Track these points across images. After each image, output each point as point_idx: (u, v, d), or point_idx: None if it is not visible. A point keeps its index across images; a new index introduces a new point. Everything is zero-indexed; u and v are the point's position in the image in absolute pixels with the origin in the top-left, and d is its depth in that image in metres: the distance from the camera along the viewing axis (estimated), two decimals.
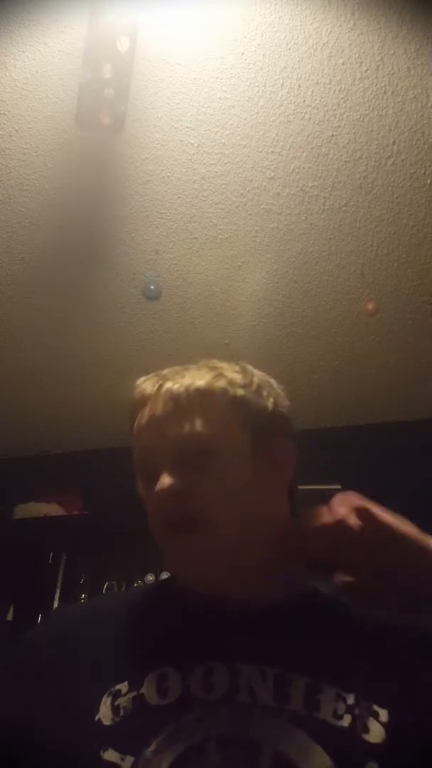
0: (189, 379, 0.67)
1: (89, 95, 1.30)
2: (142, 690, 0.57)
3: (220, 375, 0.68)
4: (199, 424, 0.64)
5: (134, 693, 0.57)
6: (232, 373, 0.69)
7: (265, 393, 0.69)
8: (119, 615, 0.68)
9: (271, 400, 0.69)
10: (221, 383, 0.68)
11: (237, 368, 0.70)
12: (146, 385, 0.70)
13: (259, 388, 0.69)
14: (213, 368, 0.69)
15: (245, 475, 0.65)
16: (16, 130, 1.49)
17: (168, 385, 0.67)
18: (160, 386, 0.67)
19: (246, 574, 0.63)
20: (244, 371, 0.70)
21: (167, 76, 1.39)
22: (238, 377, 0.69)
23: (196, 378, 0.67)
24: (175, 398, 0.66)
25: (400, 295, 1.87)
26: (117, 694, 0.57)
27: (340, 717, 0.54)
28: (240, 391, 0.68)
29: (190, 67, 1.38)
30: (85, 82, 1.29)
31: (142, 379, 0.71)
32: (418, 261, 1.77)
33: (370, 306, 1.82)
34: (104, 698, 0.57)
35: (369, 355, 2.08)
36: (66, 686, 0.60)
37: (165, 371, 0.71)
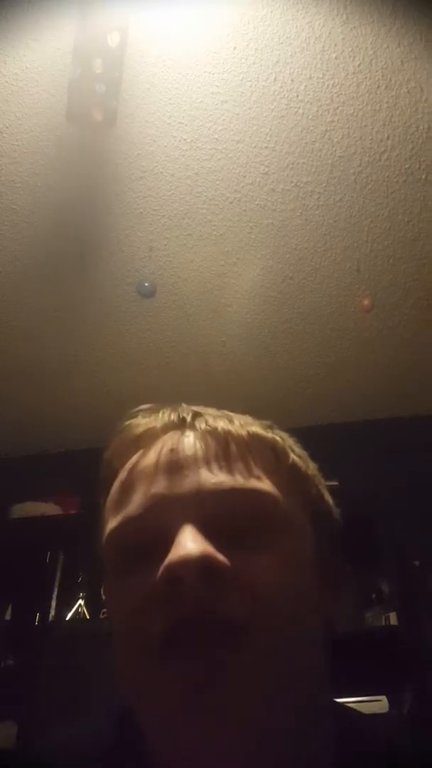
0: (228, 419, 0.47)
1: (80, 91, 1.29)
2: None
3: (268, 426, 0.49)
4: (256, 474, 0.43)
5: None
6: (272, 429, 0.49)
7: (313, 468, 0.50)
8: None
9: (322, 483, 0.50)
10: (276, 434, 0.48)
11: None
12: (149, 417, 0.47)
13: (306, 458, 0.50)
14: (241, 416, 0.49)
15: (306, 568, 0.43)
16: (7, 127, 1.47)
17: (198, 421, 0.46)
18: (185, 419, 0.46)
19: (280, 738, 0.38)
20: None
21: (159, 71, 1.38)
22: (286, 436, 0.50)
23: (238, 419, 0.47)
24: (220, 435, 0.44)
25: (396, 290, 1.86)
26: None
27: None
28: (297, 452, 0.49)
29: (182, 62, 1.37)
30: (75, 78, 1.28)
31: (135, 411, 0.49)
32: (413, 256, 1.76)
33: (366, 302, 1.81)
34: None
35: (365, 352, 2.08)
36: None
37: (167, 407, 0.49)
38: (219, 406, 0.51)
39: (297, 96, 1.41)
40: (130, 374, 2.19)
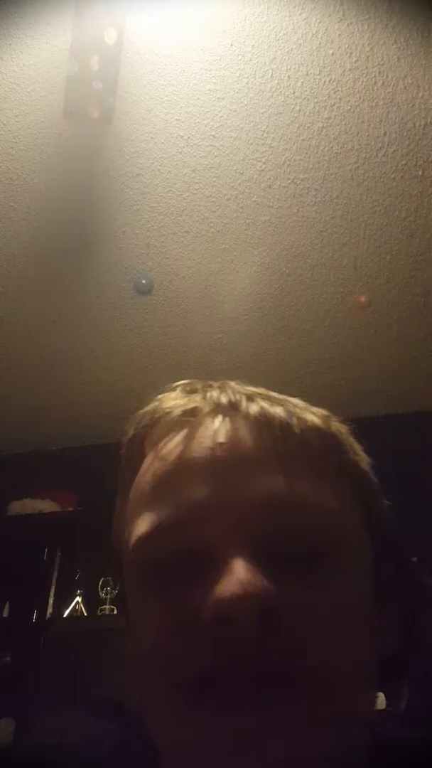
0: (285, 405, 0.39)
1: (77, 88, 1.29)
2: None
3: (326, 416, 0.41)
4: (318, 482, 0.35)
5: None
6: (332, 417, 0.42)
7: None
8: None
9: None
10: (336, 427, 0.41)
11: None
12: (173, 397, 0.40)
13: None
14: (286, 399, 0.41)
15: (369, 596, 0.36)
16: (4, 124, 1.47)
17: (252, 406, 0.38)
18: (227, 405, 0.38)
19: None
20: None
21: (156, 68, 1.38)
22: (345, 429, 0.42)
23: (296, 407, 0.39)
24: (277, 428, 0.36)
25: (393, 287, 1.87)
26: None
27: None
28: (358, 451, 0.42)
29: (179, 59, 1.37)
30: (72, 75, 1.28)
31: (174, 386, 0.42)
32: (410, 253, 1.76)
33: (362, 298, 1.81)
34: None
35: (362, 348, 2.08)
36: None
37: (212, 384, 0.41)
38: None
39: (294, 93, 1.41)
40: (127, 371, 2.19)
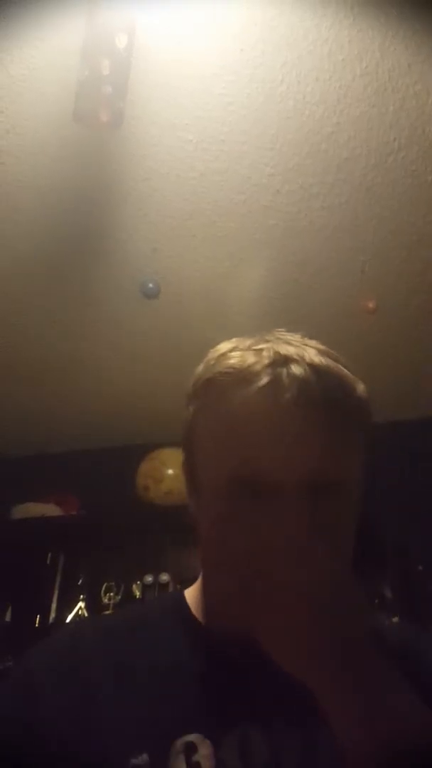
0: (340, 382, 0.54)
1: (87, 92, 1.29)
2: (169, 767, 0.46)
3: (365, 389, 0.57)
4: (349, 450, 0.53)
5: None
6: (363, 385, 0.58)
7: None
8: (126, 662, 0.53)
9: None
10: (367, 393, 0.57)
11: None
12: (256, 360, 0.53)
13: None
14: (343, 367, 0.57)
15: (356, 516, 0.55)
16: (13, 127, 1.47)
17: (318, 385, 0.51)
18: (302, 381, 0.51)
19: None
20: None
21: (166, 73, 1.38)
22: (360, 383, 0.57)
23: (346, 384, 0.55)
24: (332, 409, 0.51)
25: (401, 293, 1.86)
26: None
27: None
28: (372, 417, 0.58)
29: (189, 64, 1.37)
30: (82, 79, 1.28)
31: (237, 348, 0.56)
32: (418, 259, 1.76)
33: (370, 304, 1.81)
34: None
35: (369, 354, 2.07)
36: (76, 754, 0.48)
37: (264, 342, 0.55)
38: None
39: (303, 98, 1.41)
40: (132, 375, 2.19)
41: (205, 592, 0.59)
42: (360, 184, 1.58)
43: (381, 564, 1.86)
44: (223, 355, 0.56)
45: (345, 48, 1.33)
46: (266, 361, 0.52)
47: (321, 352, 0.56)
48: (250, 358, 0.53)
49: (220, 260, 1.78)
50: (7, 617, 2.02)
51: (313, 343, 0.57)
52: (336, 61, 1.35)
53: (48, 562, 2.10)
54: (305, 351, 0.54)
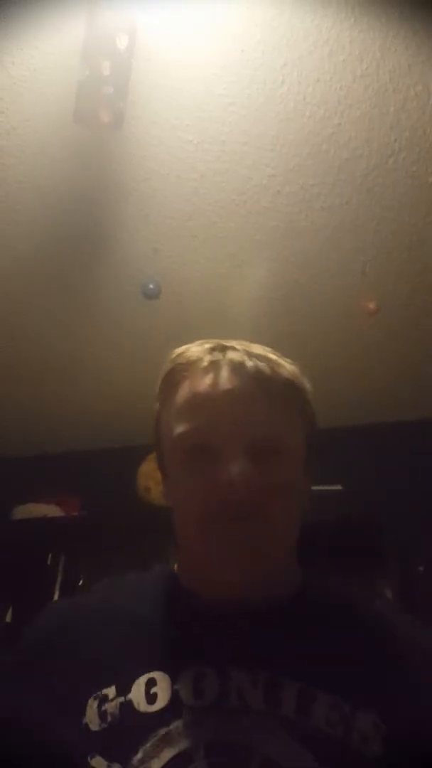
0: (269, 363, 0.64)
1: (88, 93, 1.29)
2: (130, 696, 0.56)
3: (298, 373, 0.69)
4: (282, 418, 0.63)
5: (121, 699, 0.56)
6: (297, 370, 0.69)
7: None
8: (110, 614, 0.66)
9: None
10: (304, 382, 0.69)
11: (297, 367, 0.70)
12: (200, 351, 0.66)
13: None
14: (279, 357, 0.68)
15: (299, 480, 0.65)
16: (14, 128, 1.48)
17: (249, 363, 0.63)
18: (236, 362, 0.63)
19: (270, 574, 0.61)
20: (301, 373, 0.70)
21: (166, 74, 1.38)
22: (306, 382, 0.69)
23: (276, 364, 0.65)
24: (262, 382, 0.62)
25: (402, 293, 1.86)
26: (104, 699, 0.56)
27: (334, 725, 0.53)
28: (309, 397, 0.69)
29: (190, 65, 1.36)
30: (83, 80, 1.28)
31: (190, 347, 0.68)
32: (419, 260, 1.76)
33: (371, 305, 1.80)
34: (90, 701, 0.56)
35: (370, 355, 2.07)
36: (54, 687, 0.59)
37: (213, 341, 0.67)
38: None
39: (304, 99, 1.41)
40: (132, 376, 2.19)
41: (180, 554, 0.69)
42: (361, 185, 1.57)
43: (381, 564, 1.86)
44: (179, 354, 0.68)
45: (346, 49, 1.33)
46: (208, 349, 0.65)
47: (261, 348, 0.67)
48: (198, 351, 0.66)
49: (220, 261, 1.78)
50: (8, 618, 2.02)
51: (261, 346, 0.68)
52: (337, 61, 1.35)
53: (48, 562, 2.10)
54: (246, 345, 0.66)
